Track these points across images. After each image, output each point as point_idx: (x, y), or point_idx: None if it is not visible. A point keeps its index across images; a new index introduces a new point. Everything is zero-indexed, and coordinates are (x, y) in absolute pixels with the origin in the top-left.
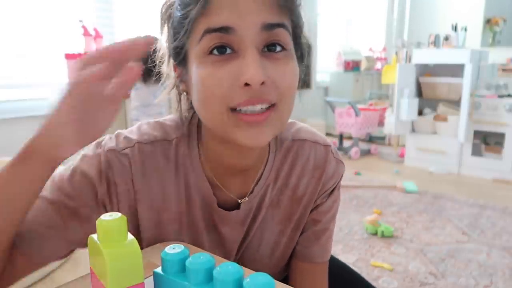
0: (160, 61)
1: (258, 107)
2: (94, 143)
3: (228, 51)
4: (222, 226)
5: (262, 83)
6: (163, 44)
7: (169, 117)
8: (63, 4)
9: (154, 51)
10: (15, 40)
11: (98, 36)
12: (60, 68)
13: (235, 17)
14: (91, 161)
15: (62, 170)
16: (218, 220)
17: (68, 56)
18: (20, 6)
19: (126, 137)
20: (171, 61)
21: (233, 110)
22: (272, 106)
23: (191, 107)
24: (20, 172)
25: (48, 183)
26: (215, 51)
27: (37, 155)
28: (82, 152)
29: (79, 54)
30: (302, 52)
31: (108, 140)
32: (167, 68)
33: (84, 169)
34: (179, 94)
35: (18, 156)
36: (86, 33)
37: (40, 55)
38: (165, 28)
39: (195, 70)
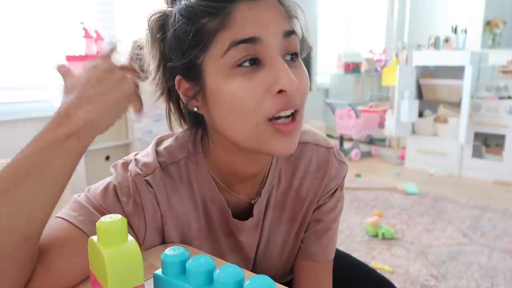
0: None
1: (288, 112)
2: (120, 164)
3: (255, 62)
4: (239, 234)
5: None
6: (150, 59)
7: (170, 140)
8: (64, 6)
9: (140, 57)
10: (16, 42)
11: (99, 38)
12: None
13: (260, 28)
14: (122, 183)
15: (96, 186)
16: (235, 229)
17: (69, 58)
18: (21, 8)
19: (145, 164)
20: (164, 77)
21: (269, 120)
22: (296, 111)
23: (194, 125)
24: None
25: (82, 198)
26: (244, 64)
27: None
28: (114, 173)
29: (80, 56)
30: None
31: (133, 165)
32: (157, 81)
33: (115, 185)
34: (185, 109)
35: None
36: (87, 35)
37: (41, 57)
38: (155, 44)
39: (221, 84)
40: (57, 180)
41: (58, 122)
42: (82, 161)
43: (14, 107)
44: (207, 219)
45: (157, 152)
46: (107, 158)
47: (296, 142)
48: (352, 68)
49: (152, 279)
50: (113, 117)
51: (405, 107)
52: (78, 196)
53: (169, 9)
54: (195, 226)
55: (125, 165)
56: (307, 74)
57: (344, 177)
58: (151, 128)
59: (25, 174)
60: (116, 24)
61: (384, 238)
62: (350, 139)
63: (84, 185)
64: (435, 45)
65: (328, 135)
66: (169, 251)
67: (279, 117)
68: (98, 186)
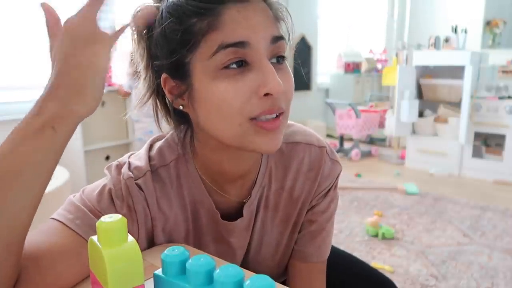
0: (138, 74)
1: (274, 115)
2: (114, 166)
3: (242, 64)
4: (229, 236)
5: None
6: (137, 58)
7: (161, 141)
8: (64, 6)
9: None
10: (15, 42)
11: None
12: None
13: (249, 32)
14: (116, 186)
15: (91, 187)
16: (225, 231)
17: None
18: (22, 8)
19: (136, 167)
20: (152, 75)
21: (252, 119)
22: (281, 113)
23: (180, 124)
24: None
25: (77, 199)
26: (231, 66)
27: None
28: (108, 175)
29: None
30: None
31: (125, 168)
32: (144, 83)
33: (111, 189)
34: (173, 108)
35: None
36: None
37: (41, 57)
38: (141, 42)
39: (208, 85)
40: (38, 179)
41: (31, 112)
42: (82, 161)
43: (14, 107)
44: (196, 222)
45: (149, 155)
46: (107, 158)
47: (281, 140)
48: (352, 68)
49: (152, 279)
50: (90, 102)
51: (405, 107)
52: (73, 196)
53: (156, 5)
54: (183, 229)
55: (119, 167)
56: (292, 76)
57: (338, 176)
58: (151, 128)
59: (2, 175)
60: (116, 24)
61: (384, 238)
62: (350, 139)
63: (84, 184)
64: (435, 45)
65: (328, 135)
66: (169, 251)
67: (263, 117)
68: (94, 188)
